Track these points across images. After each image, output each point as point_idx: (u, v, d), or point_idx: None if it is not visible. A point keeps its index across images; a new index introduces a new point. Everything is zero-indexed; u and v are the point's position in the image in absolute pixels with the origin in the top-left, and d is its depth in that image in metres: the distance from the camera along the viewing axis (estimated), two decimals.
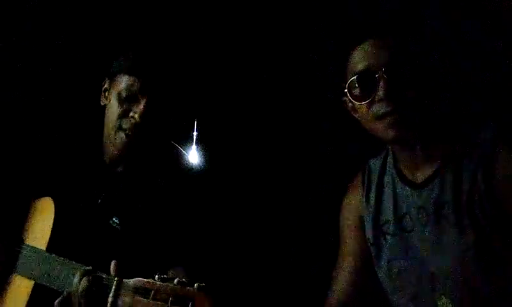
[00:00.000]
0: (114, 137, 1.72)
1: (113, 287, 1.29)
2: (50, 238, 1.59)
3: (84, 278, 1.38)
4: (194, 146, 2.28)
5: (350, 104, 1.54)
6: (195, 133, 2.28)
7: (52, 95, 2.21)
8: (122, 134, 1.71)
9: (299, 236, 2.33)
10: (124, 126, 1.71)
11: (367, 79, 1.46)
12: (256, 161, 2.40)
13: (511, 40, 2.00)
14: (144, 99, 1.69)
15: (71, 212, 1.65)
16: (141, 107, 1.68)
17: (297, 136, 2.42)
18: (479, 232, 1.41)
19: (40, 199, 1.69)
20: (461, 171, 1.46)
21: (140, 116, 1.68)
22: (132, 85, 1.69)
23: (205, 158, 2.26)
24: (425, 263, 1.50)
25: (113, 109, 1.72)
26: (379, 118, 1.45)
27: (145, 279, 1.25)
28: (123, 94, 1.70)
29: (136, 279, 1.28)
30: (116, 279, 1.29)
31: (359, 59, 1.48)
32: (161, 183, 1.76)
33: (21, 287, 1.60)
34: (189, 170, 1.85)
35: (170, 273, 1.54)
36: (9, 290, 1.64)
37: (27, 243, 1.65)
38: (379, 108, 1.45)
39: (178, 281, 1.22)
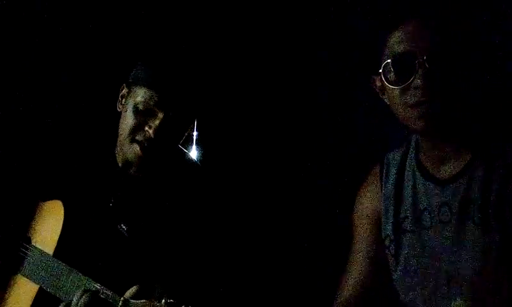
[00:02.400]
0: (127, 147, 1.69)
1: None
2: (58, 242, 1.58)
3: (85, 294, 1.37)
4: (194, 146, 2.31)
5: (379, 84, 1.47)
6: (195, 133, 2.29)
7: (67, 97, 2.20)
8: (136, 146, 1.68)
9: (307, 237, 2.33)
10: (138, 138, 1.67)
11: (405, 63, 1.38)
12: (264, 155, 2.40)
13: None
14: (162, 114, 1.65)
15: (80, 216, 1.63)
16: (157, 122, 1.65)
17: (301, 135, 2.42)
18: (505, 234, 1.36)
19: (50, 201, 1.67)
20: (491, 170, 1.40)
21: (155, 132, 1.65)
22: (149, 99, 1.66)
23: (205, 158, 2.27)
24: (442, 262, 1.44)
25: (129, 120, 1.69)
26: (412, 106, 1.39)
27: (152, 303, 1.26)
28: (140, 106, 1.67)
29: (143, 301, 1.28)
30: (121, 299, 1.30)
31: (399, 40, 1.39)
32: (172, 193, 1.74)
33: (25, 289, 1.59)
34: (200, 181, 1.82)
35: (157, 288, 1.54)
36: (12, 290, 1.63)
37: (35, 245, 1.63)
38: (413, 96, 1.38)
39: None
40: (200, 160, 2.03)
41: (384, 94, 1.48)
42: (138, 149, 1.68)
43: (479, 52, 1.46)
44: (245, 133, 2.45)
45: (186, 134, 1.79)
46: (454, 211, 1.43)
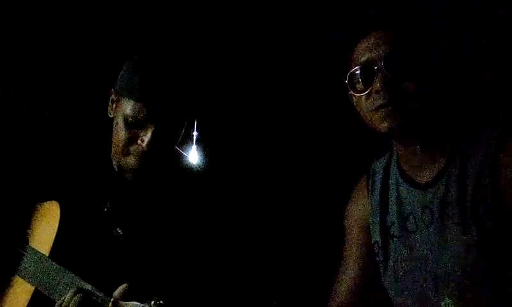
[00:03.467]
0: (122, 159, 1.69)
1: None
2: (53, 243, 1.59)
3: (78, 294, 1.39)
4: (194, 146, 2.31)
5: (354, 99, 1.54)
6: (195, 133, 2.29)
7: (64, 100, 2.20)
8: (130, 160, 1.67)
9: (302, 242, 2.34)
10: (131, 151, 1.66)
11: (366, 71, 1.47)
12: (260, 164, 2.41)
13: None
14: (152, 127, 1.63)
15: (76, 218, 1.64)
16: (149, 135, 1.63)
17: (301, 138, 2.42)
18: (483, 231, 1.40)
19: (47, 203, 1.68)
20: (465, 170, 1.46)
21: (147, 145, 1.63)
22: (138, 112, 1.63)
23: (202, 161, 2.27)
24: (428, 264, 1.49)
25: (120, 133, 1.67)
26: (376, 109, 1.47)
27: (142, 305, 1.26)
28: (130, 120, 1.64)
29: (132, 302, 1.29)
30: (111, 300, 1.31)
31: (362, 52, 1.49)
32: (169, 197, 1.74)
33: (22, 290, 1.61)
34: (197, 185, 1.82)
35: (151, 292, 1.54)
36: (10, 292, 1.64)
37: (32, 245, 1.64)
38: (375, 100, 1.46)
39: None
40: (197, 163, 2.02)
41: (358, 110, 1.55)
42: (132, 161, 1.67)
43: (439, 53, 1.52)
44: (241, 137, 2.45)
45: (181, 136, 1.79)
46: (435, 213, 1.49)
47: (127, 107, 1.65)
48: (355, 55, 1.50)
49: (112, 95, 1.73)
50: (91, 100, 2.11)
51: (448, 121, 1.53)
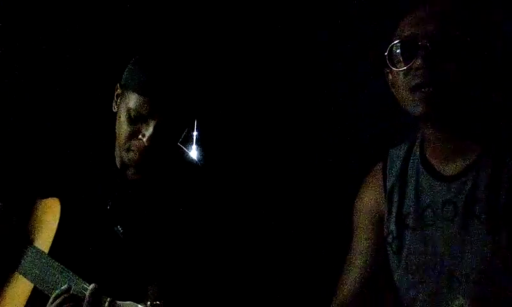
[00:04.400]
0: (124, 154, 1.68)
1: None
2: (53, 240, 1.60)
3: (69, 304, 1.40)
4: (194, 146, 2.32)
5: (390, 77, 1.47)
6: (195, 133, 2.30)
7: (66, 96, 2.20)
8: (131, 155, 1.67)
9: (304, 239, 2.33)
10: (133, 147, 1.66)
11: (409, 46, 1.38)
12: (261, 161, 2.40)
13: None
14: (154, 121, 1.62)
15: (77, 215, 1.64)
16: (150, 130, 1.62)
17: (302, 135, 2.40)
18: None
19: (47, 199, 1.69)
20: (500, 169, 1.38)
21: (149, 140, 1.62)
22: (141, 106, 1.63)
23: (203, 160, 2.28)
24: (444, 260, 1.42)
25: (123, 127, 1.67)
26: (413, 88, 1.38)
27: (138, 305, 1.27)
28: (132, 113, 1.64)
29: (128, 302, 1.30)
30: (108, 300, 1.32)
31: (407, 26, 1.41)
32: (170, 196, 1.73)
33: (21, 287, 1.62)
34: (198, 184, 1.80)
35: (149, 292, 1.54)
36: (9, 288, 1.65)
37: (33, 242, 1.65)
38: (414, 77, 1.37)
39: None
40: (199, 161, 2.03)
41: (393, 87, 1.47)
42: (133, 156, 1.67)
43: (485, 44, 1.42)
44: (242, 135, 2.45)
45: (183, 135, 1.79)
46: (459, 209, 1.40)
47: (131, 100, 1.65)
48: (399, 29, 1.42)
49: (118, 90, 1.73)
50: (93, 96, 2.12)
51: (485, 113, 1.45)
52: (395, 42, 1.41)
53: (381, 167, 1.60)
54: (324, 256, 2.22)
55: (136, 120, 1.64)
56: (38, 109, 2.15)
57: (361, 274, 1.58)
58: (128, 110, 1.65)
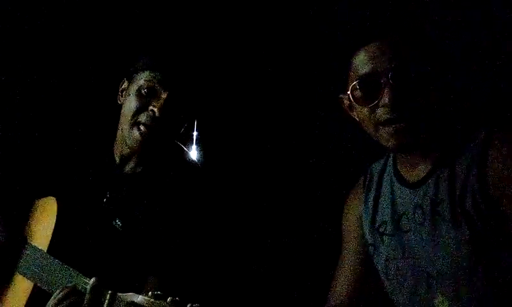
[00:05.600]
0: (130, 131, 1.68)
1: (106, 301, 1.31)
2: (51, 239, 1.59)
3: (71, 297, 1.38)
4: (194, 146, 2.31)
5: (347, 103, 1.53)
6: (195, 133, 2.29)
7: (63, 94, 2.20)
8: (136, 132, 1.67)
9: (300, 241, 2.33)
10: (142, 120, 1.67)
11: (371, 83, 1.43)
12: (259, 164, 2.41)
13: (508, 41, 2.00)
14: (166, 94, 1.65)
15: (74, 212, 1.64)
16: (161, 102, 1.65)
17: (300, 141, 2.42)
18: (473, 229, 1.40)
19: (44, 199, 1.69)
20: (454, 168, 1.45)
21: (160, 110, 1.64)
22: (153, 79, 1.66)
23: (202, 156, 2.28)
24: (421, 262, 1.48)
25: (131, 104, 1.68)
26: (383, 123, 1.44)
27: (139, 296, 1.26)
28: (143, 88, 1.67)
29: (130, 294, 1.29)
30: (109, 292, 1.31)
31: (363, 61, 1.44)
32: (169, 189, 1.73)
33: (21, 287, 1.60)
34: (196, 178, 1.81)
35: (149, 282, 1.55)
36: (10, 289, 1.64)
37: (31, 242, 1.64)
38: (382, 113, 1.43)
39: (171, 300, 1.23)
40: (197, 159, 2.02)
41: (352, 113, 1.53)
42: (141, 129, 1.67)
43: (439, 62, 1.49)
44: (240, 133, 2.45)
45: (183, 130, 1.79)
46: (427, 211, 1.48)
47: (142, 78, 1.68)
48: (356, 65, 1.46)
49: (124, 84, 1.76)
50: (90, 94, 2.12)
51: (440, 121, 1.51)
52: (356, 81, 1.45)
53: (362, 181, 1.68)
54: (321, 255, 2.21)
55: (147, 95, 1.67)
56: (34, 108, 2.15)
57: (350, 277, 1.66)
58: (139, 87, 1.68)
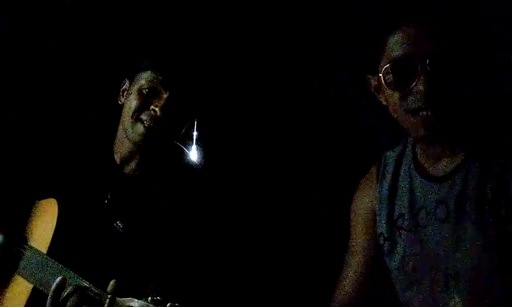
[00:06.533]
0: (131, 130, 1.68)
1: (105, 305, 1.30)
2: (51, 241, 1.59)
3: (75, 294, 1.38)
4: (194, 146, 2.31)
5: (375, 84, 1.46)
6: (195, 133, 2.29)
7: (63, 94, 2.20)
8: (140, 126, 1.67)
9: (304, 236, 2.33)
10: (143, 118, 1.67)
11: (406, 67, 1.36)
12: (260, 165, 2.40)
13: None
14: (167, 94, 1.66)
15: (75, 214, 1.63)
16: (163, 102, 1.65)
17: (301, 141, 2.42)
18: (502, 232, 1.34)
19: (44, 200, 1.68)
20: (487, 168, 1.39)
21: (161, 109, 1.64)
22: (154, 79, 1.67)
23: (202, 158, 2.27)
24: (440, 261, 1.43)
25: (132, 103, 1.68)
26: (413, 111, 1.37)
27: (138, 301, 1.26)
28: (145, 87, 1.67)
29: (129, 298, 1.28)
30: (109, 297, 1.30)
31: (400, 43, 1.37)
32: (170, 192, 1.73)
33: (21, 289, 1.60)
34: (197, 181, 1.82)
35: (150, 287, 1.55)
36: (9, 290, 1.63)
37: (31, 244, 1.64)
38: (414, 101, 1.36)
39: (171, 306, 1.23)
40: (198, 159, 2.03)
41: (379, 95, 1.47)
42: (142, 128, 1.67)
43: (479, 53, 1.43)
44: (241, 134, 2.45)
45: (184, 131, 1.79)
46: (451, 208, 1.41)
47: (143, 78, 1.69)
48: (391, 46, 1.38)
49: (125, 84, 1.76)
50: (91, 94, 2.12)
51: (473, 114, 1.45)
52: (390, 63, 1.38)
53: (375, 169, 1.61)
54: (322, 255, 2.21)
55: (148, 95, 1.67)
56: (34, 108, 2.14)
57: (357, 274, 1.60)
58: (140, 87, 1.68)
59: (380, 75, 1.40)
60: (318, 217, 2.33)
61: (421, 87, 1.34)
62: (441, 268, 1.43)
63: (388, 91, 1.41)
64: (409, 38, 1.36)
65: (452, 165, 1.43)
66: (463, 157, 1.42)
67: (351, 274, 1.61)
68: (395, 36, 1.38)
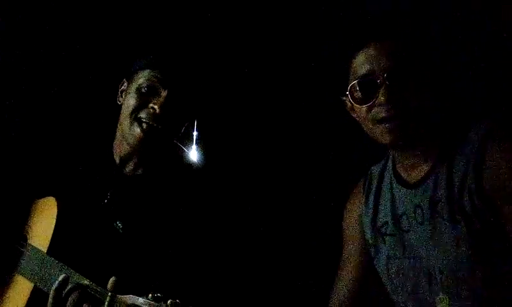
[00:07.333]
0: (130, 127, 1.69)
1: (106, 303, 1.31)
2: (51, 239, 1.59)
3: (76, 291, 1.38)
4: (194, 146, 2.31)
5: (349, 104, 1.58)
6: (195, 133, 2.29)
7: (63, 94, 2.20)
8: (137, 128, 1.68)
9: (302, 243, 2.34)
10: (142, 116, 1.67)
11: (368, 83, 1.50)
12: (260, 165, 2.41)
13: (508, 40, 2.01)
14: (165, 92, 1.67)
15: (74, 213, 1.64)
16: (161, 99, 1.66)
17: (300, 145, 2.42)
18: (471, 227, 1.44)
19: (44, 199, 1.69)
20: (452, 169, 1.50)
21: (160, 107, 1.65)
22: (152, 78, 1.67)
23: (202, 158, 2.27)
24: (422, 261, 1.53)
25: (131, 102, 1.69)
26: (379, 121, 1.50)
27: (139, 298, 1.26)
28: (143, 86, 1.68)
29: (130, 296, 1.29)
30: (109, 294, 1.31)
31: (361, 63, 1.51)
32: (169, 191, 1.74)
33: (21, 288, 1.61)
34: (197, 180, 1.84)
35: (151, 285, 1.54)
36: (10, 289, 1.64)
37: (31, 243, 1.64)
38: (378, 112, 1.49)
39: (171, 302, 1.24)
40: (198, 159, 2.03)
41: (353, 113, 1.59)
42: (141, 127, 1.67)
43: (434, 64, 1.56)
44: (241, 134, 2.45)
45: (184, 130, 1.79)
46: (426, 211, 1.52)
47: (142, 76, 1.69)
48: (354, 66, 1.53)
49: (124, 85, 1.76)
50: (90, 94, 2.12)
51: (439, 122, 1.57)
52: (355, 80, 1.52)
53: (362, 183, 1.74)
54: (322, 255, 2.22)
55: (147, 93, 1.68)
56: (34, 108, 2.14)
57: (352, 277, 1.71)
58: (139, 86, 1.68)
59: (348, 94, 1.55)
60: (318, 217, 2.33)
61: (382, 99, 1.48)
62: (423, 267, 1.53)
63: (357, 107, 1.55)
64: (370, 57, 1.51)
65: (424, 171, 1.56)
66: (432, 163, 1.54)
67: (345, 279, 1.71)
68: (358, 57, 1.53)
